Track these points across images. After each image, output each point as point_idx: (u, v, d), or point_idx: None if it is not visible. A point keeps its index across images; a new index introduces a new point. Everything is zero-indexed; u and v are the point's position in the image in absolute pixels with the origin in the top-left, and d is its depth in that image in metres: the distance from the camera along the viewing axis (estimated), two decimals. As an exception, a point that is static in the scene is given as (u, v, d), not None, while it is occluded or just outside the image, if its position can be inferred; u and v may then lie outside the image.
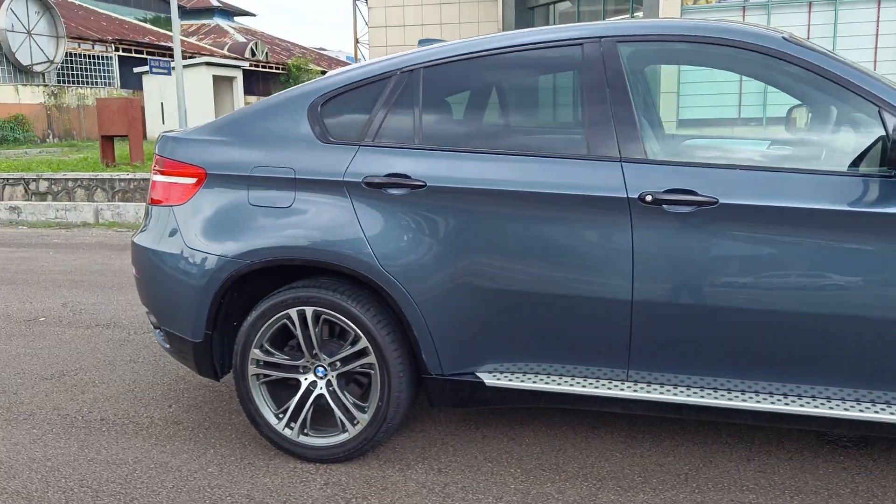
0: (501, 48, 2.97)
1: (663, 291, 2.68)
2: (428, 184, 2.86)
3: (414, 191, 2.87)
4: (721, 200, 2.60)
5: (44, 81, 24.11)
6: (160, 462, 3.13)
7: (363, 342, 2.94)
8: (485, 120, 3.02)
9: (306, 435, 3.08)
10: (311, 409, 3.08)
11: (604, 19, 20.60)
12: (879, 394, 2.61)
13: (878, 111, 2.53)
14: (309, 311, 2.97)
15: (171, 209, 3.19)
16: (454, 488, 2.86)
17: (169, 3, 39.37)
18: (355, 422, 3.02)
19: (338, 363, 3.02)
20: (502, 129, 2.98)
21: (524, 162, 2.82)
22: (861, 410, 2.58)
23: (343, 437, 3.04)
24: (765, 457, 3.03)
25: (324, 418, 3.10)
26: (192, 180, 3.16)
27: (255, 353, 3.06)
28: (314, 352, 3.03)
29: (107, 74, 26.40)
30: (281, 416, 3.10)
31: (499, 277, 2.83)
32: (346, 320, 2.93)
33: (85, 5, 31.30)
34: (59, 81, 24.77)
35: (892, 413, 2.56)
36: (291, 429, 3.08)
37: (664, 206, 2.64)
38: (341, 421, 3.04)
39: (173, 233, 3.16)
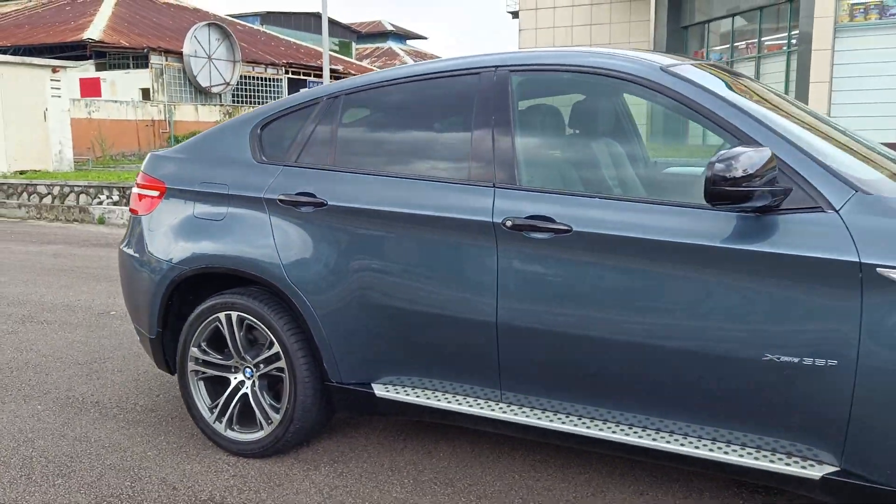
0: (410, 76, 3.13)
1: (522, 315, 2.72)
2: (328, 203, 3.07)
3: (317, 209, 3.09)
4: (574, 228, 2.62)
5: (220, 101, 26.46)
6: (115, 442, 3.52)
7: (276, 347, 3.19)
8: (389, 144, 3.18)
9: (232, 430, 3.36)
10: (238, 406, 3.35)
11: (759, 38, 19.75)
12: (724, 431, 2.52)
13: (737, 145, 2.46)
14: (234, 315, 3.26)
15: (140, 218, 3.59)
16: (340, 491, 3.03)
17: (352, 31, 41.72)
18: (269, 421, 3.26)
19: (260, 365, 3.28)
20: (403, 152, 3.14)
21: (414, 185, 2.96)
22: (709, 448, 2.50)
23: (259, 434, 3.29)
24: (660, 493, 2.96)
25: (249, 417, 3.36)
26: (156, 193, 3.55)
27: (194, 351, 3.39)
28: (241, 353, 3.31)
29: (276, 94, 28.52)
30: (213, 410, 3.40)
31: (387, 294, 2.98)
32: (263, 326, 3.19)
33: (269, 32, 33.84)
34: (233, 101, 27.09)
35: (736, 453, 2.46)
36: (221, 423, 3.37)
37: (524, 232, 2.69)
38: (260, 420, 3.29)
39: (140, 239, 3.56)
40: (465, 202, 2.82)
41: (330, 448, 3.42)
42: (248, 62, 25.93)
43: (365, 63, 37.99)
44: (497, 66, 2.95)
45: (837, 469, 2.36)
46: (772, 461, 2.43)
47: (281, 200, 3.17)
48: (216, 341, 3.38)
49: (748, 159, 2.26)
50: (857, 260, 2.25)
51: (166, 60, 22.72)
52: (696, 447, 2.53)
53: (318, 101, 3.30)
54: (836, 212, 2.32)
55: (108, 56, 22.48)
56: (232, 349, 3.32)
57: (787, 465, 2.41)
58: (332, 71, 28.78)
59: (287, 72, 28.81)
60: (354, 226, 3.03)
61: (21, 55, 19.43)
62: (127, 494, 3.03)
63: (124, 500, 2.98)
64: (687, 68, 2.77)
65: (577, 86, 3.00)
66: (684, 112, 2.63)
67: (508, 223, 2.71)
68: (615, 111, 3.29)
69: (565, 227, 2.63)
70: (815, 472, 2.36)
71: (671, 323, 2.51)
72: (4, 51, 21.35)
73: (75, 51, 22.76)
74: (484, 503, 2.91)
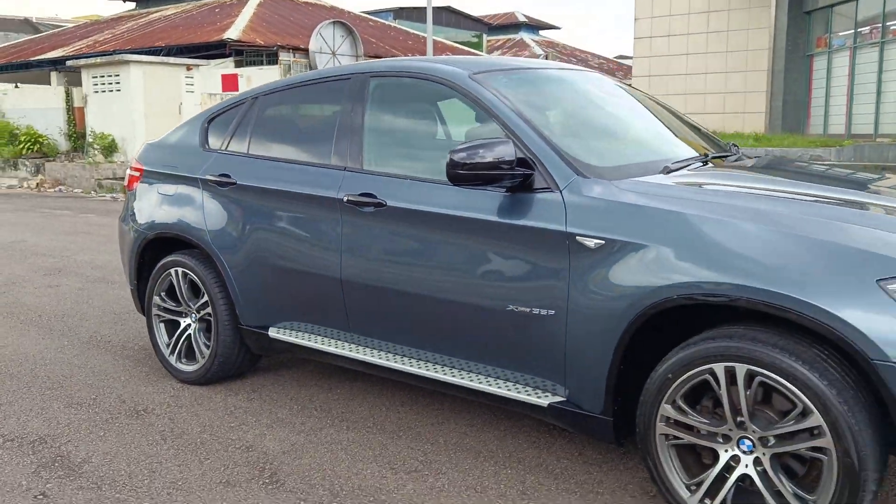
0: (305, 81, 3.89)
1: (357, 273, 3.42)
2: (238, 182, 3.88)
3: (231, 187, 3.91)
4: (388, 203, 3.29)
5: (348, 94, 27.87)
6: (103, 370, 4.49)
7: (205, 297, 4.04)
8: (285, 135, 3.93)
9: (180, 362, 4.25)
10: (185, 343, 4.23)
11: (883, 23, 18.87)
12: (493, 368, 3.11)
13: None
14: (180, 270, 4.15)
15: (128, 194, 4.55)
16: (242, 411, 3.84)
17: (483, 23, 42.44)
18: (203, 356, 4.12)
19: (198, 311, 4.15)
20: (294, 142, 3.87)
21: (295, 168, 3.71)
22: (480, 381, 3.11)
23: (196, 366, 4.16)
24: (485, 427, 3.58)
25: (192, 352, 4.23)
26: (138, 174, 4.49)
27: (156, 299, 4.31)
28: (186, 302, 4.19)
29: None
30: (168, 346, 4.30)
31: (274, 255, 3.76)
32: (198, 280, 4.06)
33: (400, 27, 35.21)
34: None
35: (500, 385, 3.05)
36: (173, 356, 4.27)
37: (357, 206, 3.39)
38: (197, 354, 4.16)
39: (126, 211, 4.52)
40: (324, 182, 3.54)
41: (256, 382, 4.24)
42: (370, 56, 27.27)
43: (495, 55, 38.59)
44: (362, 73, 3.64)
45: (563, 399, 2.92)
46: (518, 392, 3.01)
47: (209, 180, 4.01)
48: (171, 292, 4.27)
49: (487, 150, 2.85)
50: (565, 230, 2.80)
51: (294, 56, 24.40)
52: (470, 380, 3.14)
53: (245, 101, 4.12)
54: (560, 192, 2.87)
55: (244, 54, 24.36)
56: (180, 298, 4.20)
57: (527, 394, 2.98)
58: (453, 63, 29.73)
59: (409, 65, 30.18)
60: (253, 200, 3.83)
61: (174, 54, 21.65)
62: (87, 402, 3.97)
63: (84, 406, 3.93)
64: (494, 75, 3.36)
65: (410, 87, 3.62)
66: (476, 110, 3.23)
67: (346, 199, 3.41)
68: (434, 108, 3.88)
69: (382, 202, 3.30)
70: (544, 400, 2.93)
71: (449, 279, 3.13)
72: (159, 51, 23.60)
73: (218, 49, 24.72)
74: (345, 425, 3.63)
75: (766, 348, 2.40)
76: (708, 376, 2.53)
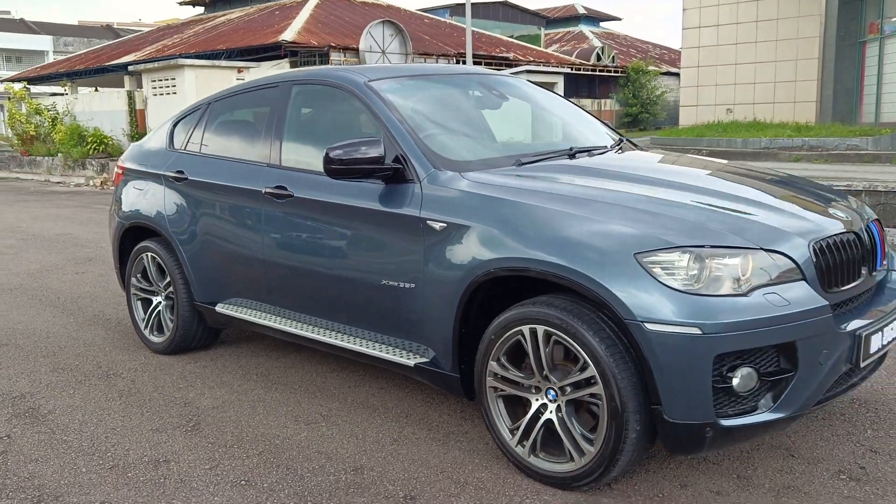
0: (245, 89, 4.47)
1: (273, 254, 3.98)
2: (189, 177, 4.49)
3: (183, 182, 4.52)
4: (295, 194, 3.83)
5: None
6: (91, 341, 5.18)
7: (169, 278, 4.68)
8: (227, 136, 4.51)
9: (153, 335, 4.89)
10: (156, 319, 4.87)
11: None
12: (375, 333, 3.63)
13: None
14: (150, 255, 4.78)
15: (115, 188, 5.22)
16: (195, 376, 4.44)
17: (540, 17, 42.56)
18: (169, 329, 4.75)
19: (162, 291, 4.78)
20: (234, 141, 4.44)
21: (231, 164, 4.29)
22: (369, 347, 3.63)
23: (164, 338, 4.79)
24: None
25: (161, 328, 4.87)
26: (121, 171, 5.16)
27: (133, 280, 4.96)
28: (157, 283, 4.83)
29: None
30: (143, 321, 4.95)
31: (216, 240, 4.35)
32: (163, 264, 4.69)
33: (455, 23, 35.70)
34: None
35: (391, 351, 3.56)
36: (147, 330, 4.91)
37: (273, 197, 3.94)
38: (166, 328, 4.79)
39: (112, 203, 5.20)
40: (251, 177, 4.11)
41: (215, 353, 4.85)
42: (420, 54, 27.90)
43: (551, 49, 38.68)
44: (287, 81, 4.20)
45: (427, 360, 3.40)
46: (393, 354, 3.51)
47: (169, 176, 4.64)
48: (144, 274, 4.91)
49: (359, 149, 3.35)
50: (419, 215, 3.29)
51: (344, 56, 25.21)
52: (355, 343, 3.66)
53: (202, 107, 4.72)
54: (420, 183, 3.36)
55: (299, 55, 25.28)
56: (151, 279, 4.84)
57: (398, 356, 3.47)
58: (502, 59, 30.07)
59: (458, 61, 30.58)
60: (200, 193, 4.43)
61: (234, 57, 22.76)
62: (70, 367, 4.65)
63: (66, 371, 4.60)
64: (387, 82, 3.86)
65: (321, 93, 4.13)
66: (366, 112, 3.73)
67: (265, 191, 3.97)
68: (336, 112, 4.36)
69: (291, 194, 3.85)
70: (411, 361, 3.42)
71: (339, 258, 3.66)
72: (220, 54, 24.68)
73: (275, 51, 25.62)
74: (275, 387, 4.20)
75: (558, 312, 2.84)
76: (520, 337, 2.99)
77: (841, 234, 2.93)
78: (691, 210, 2.91)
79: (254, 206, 4.06)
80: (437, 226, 3.23)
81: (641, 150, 4.27)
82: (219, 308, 4.44)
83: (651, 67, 34.12)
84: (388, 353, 3.53)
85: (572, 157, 3.72)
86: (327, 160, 3.38)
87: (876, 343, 2.91)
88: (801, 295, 2.70)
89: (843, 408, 3.65)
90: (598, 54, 35.38)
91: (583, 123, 4.37)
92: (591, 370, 2.77)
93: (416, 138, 3.49)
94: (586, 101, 33.78)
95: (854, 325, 2.83)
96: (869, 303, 3.07)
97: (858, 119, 21.97)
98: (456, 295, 3.16)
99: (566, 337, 2.81)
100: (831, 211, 3.08)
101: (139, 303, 5.00)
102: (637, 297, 2.65)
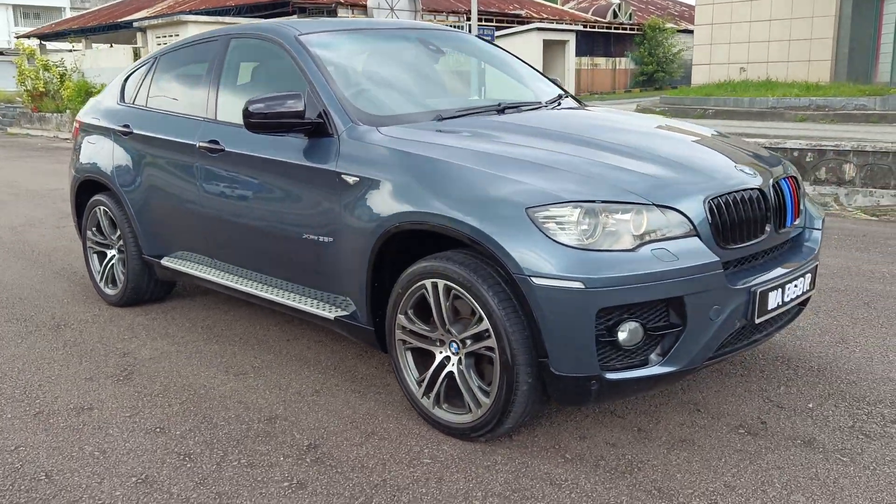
0: (189, 42, 4.47)
1: (208, 207, 4.01)
2: (134, 131, 4.52)
3: (129, 136, 4.55)
4: (226, 148, 3.85)
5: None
6: (54, 294, 5.27)
7: (119, 231, 4.74)
8: (171, 90, 4.52)
9: (108, 287, 4.97)
10: (111, 272, 4.95)
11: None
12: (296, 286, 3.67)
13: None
14: (102, 209, 4.84)
15: (74, 143, 5.27)
16: (141, 328, 4.53)
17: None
18: (121, 282, 4.83)
19: (115, 245, 4.85)
20: (177, 96, 4.45)
21: (174, 118, 4.31)
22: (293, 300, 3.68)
23: (117, 290, 4.87)
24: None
25: (115, 280, 4.95)
26: (77, 126, 5.20)
27: (88, 234, 5.03)
28: (109, 236, 4.90)
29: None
30: (98, 273, 5.03)
31: (158, 193, 4.39)
32: (113, 216, 4.75)
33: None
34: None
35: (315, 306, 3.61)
36: (102, 283, 5.00)
37: (207, 151, 3.96)
38: (118, 281, 4.87)
39: (71, 157, 5.25)
40: (189, 131, 4.13)
41: (168, 305, 4.93)
42: (429, 10, 27.58)
43: (568, 7, 38.07)
44: (226, 35, 4.19)
45: (347, 313, 3.44)
46: (316, 307, 3.55)
47: (116, 130, 4.67)
48: (99, 227, 4.98)
49: (279, 103, 3.35)
50: (335, 169, 3.30)
51: (352, 13, 24.95)
52: (285, 298, 3.71)
53: (150, 61, 4.74)
54: (338, 137, 3.37)
55: (307, 11, 25.05)
56: (104, 232, 4.91)
57: (320, 309, 3.52)
58: (514, 16, 29.64)
59: (468, 18, 30.22)
60: (144, 147, 4.46)
61: (244, 13, 22.67)
62: (25, 318, 4.75)
63: (21, 321, 4.70)
64: (319, 36, 3.84)
65: (255, 47, 4.11)
66: (294, 66, 3.72)
67: (199, 145, 4.00)
68: (269, 66, 4.33)
69: (222, 148, 3.87)
70: (331, 314, 3.46)
71: (266, 212, 3.69)
72: (228, 10, 24.49)
73: (284, 7, 25.37)
74: (216, 340, 4.27)
75: (457, 267, 2.86)
76: (424, 291, 3.01)
77: (742, 190, 2.91)
78: (592, 166, 2.90)
79: (191, 161, 4.09)
80: (351, 180, 3.24)
81: (584, 107, 4.23)
82: (164, 262, 4.50)
83: (668, 25, 33.51)
84: (310, 305, 3.57)
85: (501, 112, 3.70)
86: (246, 114, 3.38)
87: (774, 300, 2.90)
88: (691, 250, 2.69)
89: (763, 364, 3.66)
90: (614, 11, 34.77)
91: (525, 79, 4.33)
92: (486, 324, 2.79)
93: (337, 93, 3.48)
94: (601, 60, 33.29)
95: (750, 281, 2.83)
96: (777, 260, 3.06)
97: (874, 78, 21.49)
98: (368, 249, 3.18)
99: (464, 291, 2.83)
100: (738, 168, 3.06)
101: (95, 256, 5.08)
102: (527, 252, 2.65)
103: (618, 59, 34.51)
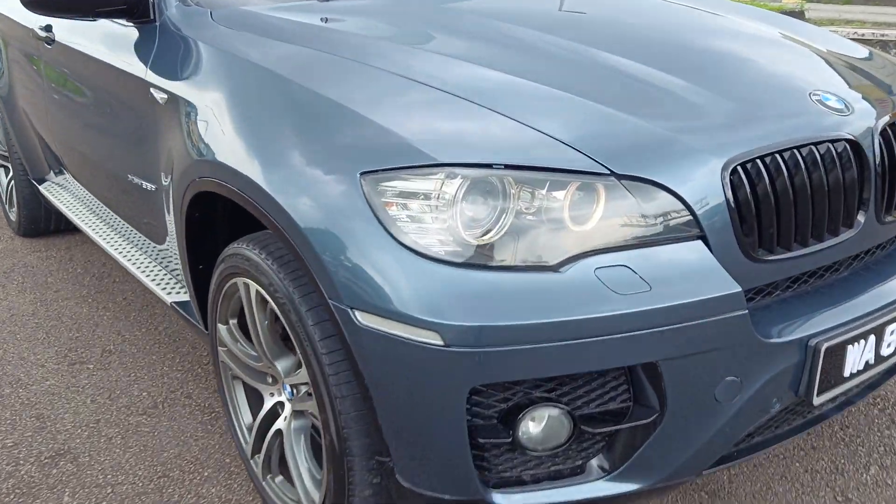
0: None
1: (54, 115, 2.93)
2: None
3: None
4: (56, 38, 2.68)
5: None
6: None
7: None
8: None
9: (11, 211, 3.98)
10: (10, 193, 3.94)
11: None
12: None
13: None
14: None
15: None
16: (27, 268, 3.54)
17: None
18: (16, 207, 3.83)
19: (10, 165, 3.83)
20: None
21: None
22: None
23: (16, 218, 3.87)
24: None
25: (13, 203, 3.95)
26: None
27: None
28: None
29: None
30: (4, 195, 4.04)
31: (21, 100, 3.31)
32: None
33: None
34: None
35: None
36: (7, 206, 4.01)
37: (43, 42, 2.80)
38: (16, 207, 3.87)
39: None
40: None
41: (75, 240, 3.89)
42: None
43: None
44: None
45: (185, 300, 2.28)
46: (157, 282, 2.41)
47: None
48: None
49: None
50: (145, 78, 2.07)
51: None
52: (129, 260, 2.58)
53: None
54: (158, 24, 2.12)
55: None
56: (4, 144, 3.87)
57: (160, 287, 2.37)
58: None
59: None
60: (7, 37, 3.33)
61: None
62: None
63: None
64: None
65: None
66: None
67: (35, 31, 2.83)
68: None
69: (53, 37, 2.70)
70: (168, 296, 2.32)
71: (95, 134, 2.58)
72: None
73: None
74: (96, 295, 3.23)
75: (272, 264, 1.62)
76: (239, 293, 1.80)
77: (816, 143, 1.50)
78: (514, 97, 1.54)
79: (36, 52, 2.95)
80: (160, 97, 2.00)
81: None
82: (43, 189, 3.43)
83: None
84: (151, 278, 2.43)
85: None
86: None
87: (853, 358, 1.51)
88: (685, 270, 1.35)
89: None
90: None
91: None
92: (303, 373, 1.56)
93: None
94: None
95: (806, 326, 1.46)
96: (867, 277, 1.64)
97: None
98: (179, 210, 1.97)
99: (278, 308, 1.60)
100: (817, 97, 1.61)
101: (1, 170, 4.09)
102: (350, 259, 1.38)
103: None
